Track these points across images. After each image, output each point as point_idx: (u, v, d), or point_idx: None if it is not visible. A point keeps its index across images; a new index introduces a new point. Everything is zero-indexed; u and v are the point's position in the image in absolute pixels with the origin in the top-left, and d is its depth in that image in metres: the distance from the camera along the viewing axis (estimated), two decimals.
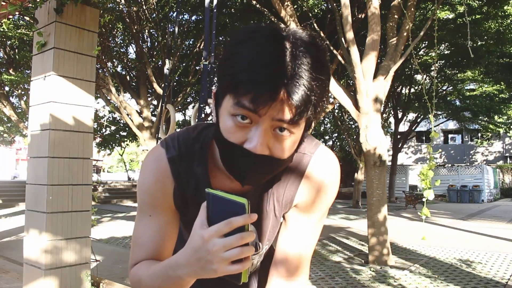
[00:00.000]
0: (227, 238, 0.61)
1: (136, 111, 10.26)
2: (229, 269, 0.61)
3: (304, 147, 0.81)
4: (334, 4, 7.15)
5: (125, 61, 10.79)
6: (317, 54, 0.64)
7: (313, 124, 0.72)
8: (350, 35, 5.27)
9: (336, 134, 22.12)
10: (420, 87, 15.26)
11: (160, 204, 0.82)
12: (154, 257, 0.82)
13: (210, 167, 0.82)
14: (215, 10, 3.54)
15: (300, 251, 0.86)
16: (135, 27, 9.30)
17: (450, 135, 29.12)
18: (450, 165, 25.52)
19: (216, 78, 0.72)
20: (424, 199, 2.58)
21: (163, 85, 4.05)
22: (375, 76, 5.34)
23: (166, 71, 4.38)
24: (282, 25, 0.68)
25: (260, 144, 0.64)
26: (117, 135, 15.41)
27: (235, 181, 0.75)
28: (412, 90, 15.82)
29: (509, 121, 17.53)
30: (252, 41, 0.63)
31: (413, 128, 17.68)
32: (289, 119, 0.63)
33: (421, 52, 12.88)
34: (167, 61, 4.34)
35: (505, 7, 8.84)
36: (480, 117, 16.18)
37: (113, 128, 14.59)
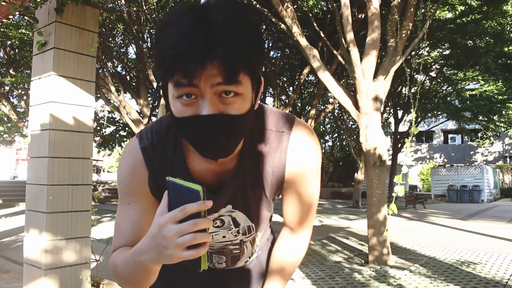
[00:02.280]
0: (181, 224, 0.62)
1: (136, 111, 10.26)
2: (184, 254, 0.63)
3: (281, 126, 0.85)
4: (334, 4, 7.15)
5: (125, 61, 10.79)
6: (239, 13, 0.66)
7: (262, 81, 0.74)
8: (350, 35, 5.27)
9: (336, 134, 22.13)
10: (419, 87, 15.25)
11: (137, 193, 0.86)
12: (133, 243, 0.83)
13: (186, 153, 0.84)
14: None
15: (305, 205, 0.92)
16: (135, 27, 9.30)
17: (450, 135, 29.11)
18: (449, 165, 25.51)
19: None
20: (394, 194, 2.65)
21: (156, 85, 4.19)
22: (375, 76, 5.33)
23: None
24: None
25: (211, 110, 0.65)
26: (117, 135, 15.41)
27: (212, 162, 0.78)
28: (412, 90, 15.80)
29: (510, 121, 17.51)
30: (171, 22, 0.65)
31: None
32: (225, 80, 0.64)
33: (423, 52, 12.85)
34: None
35: (504, 7, 8.85)
36: (480, 118, 16.18)
37: (112, 128, 14.59)
